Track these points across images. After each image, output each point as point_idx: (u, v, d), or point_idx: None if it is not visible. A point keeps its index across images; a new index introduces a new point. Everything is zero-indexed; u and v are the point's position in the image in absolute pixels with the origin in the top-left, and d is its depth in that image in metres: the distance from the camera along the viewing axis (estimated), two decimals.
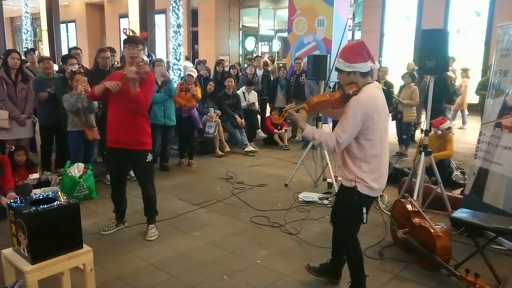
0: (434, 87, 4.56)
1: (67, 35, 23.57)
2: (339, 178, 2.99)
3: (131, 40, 3.86)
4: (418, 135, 8.06)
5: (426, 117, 4.74)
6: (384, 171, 2.81)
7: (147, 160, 4.02)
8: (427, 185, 4.84)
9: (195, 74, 6.85)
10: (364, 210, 2.80)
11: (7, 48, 12.78)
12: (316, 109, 2.88)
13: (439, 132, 5.46)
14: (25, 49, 14.49)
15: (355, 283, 3.00)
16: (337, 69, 2.82)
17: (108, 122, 3.99)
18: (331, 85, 8.02)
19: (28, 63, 7.73)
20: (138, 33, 4.15)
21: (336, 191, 3.11)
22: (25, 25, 18.63)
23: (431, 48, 4.29)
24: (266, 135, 8.28)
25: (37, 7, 18.77)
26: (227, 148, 7.58)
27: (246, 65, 10.68)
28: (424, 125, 4.76)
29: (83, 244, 2.67)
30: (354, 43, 2.81)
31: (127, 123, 3.85)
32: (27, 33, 18.55)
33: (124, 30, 3.97)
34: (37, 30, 23.75)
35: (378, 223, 4.48)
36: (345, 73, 2.75)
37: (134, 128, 3.88)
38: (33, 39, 20.17)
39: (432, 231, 3.43)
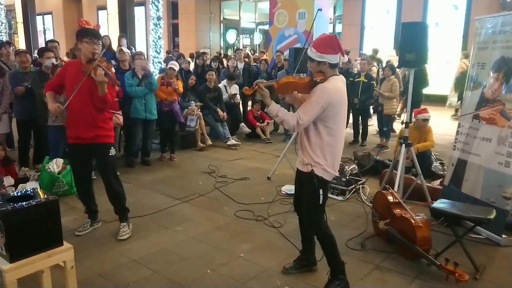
0: (413, 79, 4.62)
1: (44, 27, 23.01)
2: (297, 162, 3.13)
3: (92, 33, 3.61)
4: (398, 127, 8.15)
5: (406, 109, 4.79)
6: (337, 158, 3.02)
7: (111, 154, 3.85)
8: (407, 177, 4.91)
9: (177, 68, 6.77)
10: (321, 192, 2.96)
11: None
12: (284, 89, 3.02)
13: (413, 119, 5.49)
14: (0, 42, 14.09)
15: (334, 270, 3.07)
16: (308, 57, 2.96)
17: (68, 119, 3.79)
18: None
19: (3, 57, 7.51)
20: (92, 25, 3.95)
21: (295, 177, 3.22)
22: None
23: (411, 41, 4.33)
24: (250, 130, 8.26)
25: None
26: (209, 141, 7.54)
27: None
28: (404, 117, 4.82)
29: (63, 241, 2.62)
30: (327, 36, 2.98)
31: (89, 118, 3.68)
32: (1, 25, 18.02)
33: (80, 23, 3.80)
34: (12, 22, 23.13)
35: (359, 214, 4.53)
36: (316, 62, 2.90)
37: (97, 122, 3.72)
38: (8, 31, 19.63)
39: (413, 221, 3.48)
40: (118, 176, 4.00)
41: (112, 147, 3.89)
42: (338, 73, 2.97)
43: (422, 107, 6.10)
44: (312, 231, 3.18)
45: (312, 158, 2.94)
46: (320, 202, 2.98)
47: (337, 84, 2.89)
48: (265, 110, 2.99)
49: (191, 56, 11.66)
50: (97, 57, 3.59)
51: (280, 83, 2.91)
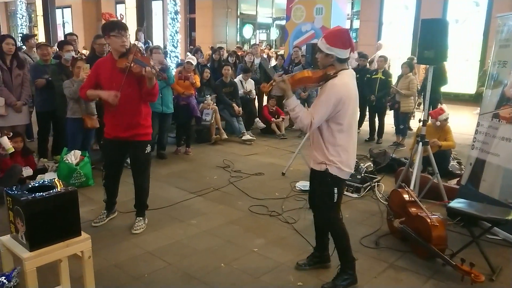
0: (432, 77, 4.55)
1: (63, 21, 23.29)
2: (311, 161, 3.13)
3: (119, 26, 3.45)
4: (415, 125, 8.05)
5: (423, 107, 4.73)
6: (352, 155, 2.99)
7: (146, 152, 3.85)
8: (423, 175, 4.85)
9: (194, 62, 6.80)
10: (335, 191, 2.97)
11: (1, 34, 12.65)
12: (298, 84, 3.03)
13: (438, 123, 5.43)
14: (21, 35, 14.33)
15: (344, 265, 3.08)
16: (317, 48, 2.94)
17: (107, 116, 3.77)
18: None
19: (25, 48, 7.64)
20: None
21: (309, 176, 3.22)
22: (20, 10, 18.43)
23: (430, 38, 4.26)
24: (264, 125, 8.26)
25: None
26: (225, 135, 7.55)
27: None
28: (422, 115, 4.76)
29: (81, 231, 2.67)
30: (338, 29, 2.96)
31: (130, 117, 3.65)
32: (22, 18, 18.35)
33: (104, 17, 3.64)
34: (32, 15, 23.47)
35: (374, 212, 4.50)
36: (324, 54, 2.89)
37: (137, 120, 3.70)
38: (28, 24, 19.94)
39: (429, 220, 3.45)
40: (148, 175, 3.97)
41: (149, 144, 3.86)
42: (347, 67, 2.95)
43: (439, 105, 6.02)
44: (327, 227, 3.18)
45: (326, 157, 2.92)
46: (335, 201, 2.99)
47: (345, 79, 2.87)
48: (283, 102, 2.98)
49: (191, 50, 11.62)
50: (133, 48, 3.49)
51: (294, 78, 2.91)
